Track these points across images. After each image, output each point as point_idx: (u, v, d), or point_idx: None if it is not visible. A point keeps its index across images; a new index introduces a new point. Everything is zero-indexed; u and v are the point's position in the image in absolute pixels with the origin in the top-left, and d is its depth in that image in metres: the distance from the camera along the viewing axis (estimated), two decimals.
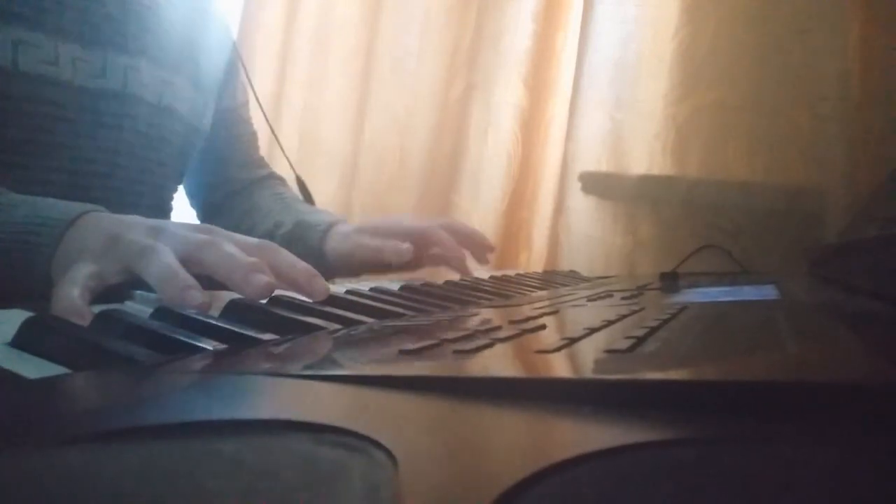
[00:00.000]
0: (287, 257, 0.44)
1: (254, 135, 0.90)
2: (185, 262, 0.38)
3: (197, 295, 0.36)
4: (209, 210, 0.87)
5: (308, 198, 0.90)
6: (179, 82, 0.70)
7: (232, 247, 0.40)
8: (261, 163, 0.90)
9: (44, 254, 0.41)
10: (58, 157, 0.60)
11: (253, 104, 0.90)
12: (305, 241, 0.74)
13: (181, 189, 0.82)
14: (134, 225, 0.41)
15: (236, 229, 0.83)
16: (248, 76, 0.87)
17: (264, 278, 0.38)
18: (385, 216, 0.77)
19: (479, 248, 0.79)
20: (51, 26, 0.57)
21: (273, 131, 0.92)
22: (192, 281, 0.36)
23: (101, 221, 0.43)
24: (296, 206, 0.82)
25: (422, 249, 0.72)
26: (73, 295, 0.35)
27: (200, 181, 0.85)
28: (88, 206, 0.45)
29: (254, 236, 0.78)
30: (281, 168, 0.92)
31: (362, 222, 0.76)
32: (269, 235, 0.77)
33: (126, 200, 0.66)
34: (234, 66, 0.85)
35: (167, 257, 0.38)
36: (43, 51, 0.57)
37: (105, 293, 0.38)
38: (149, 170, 0.69)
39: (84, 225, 0.42)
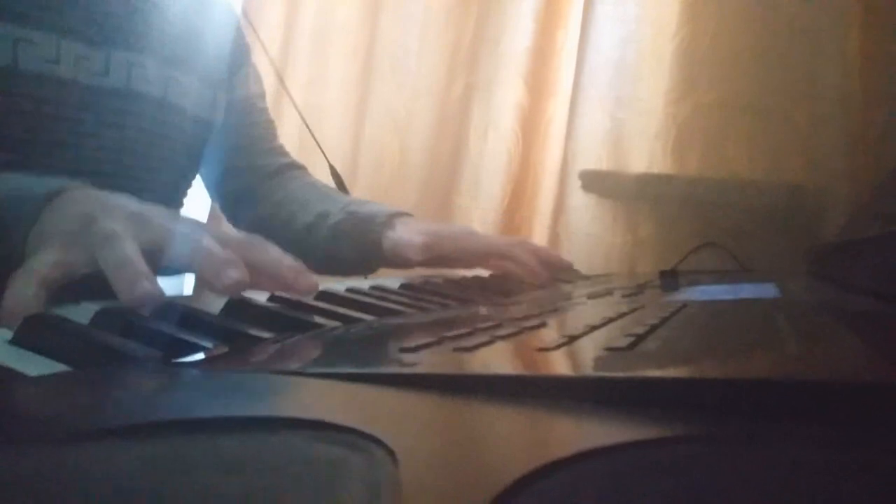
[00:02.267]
0: (273, 253, 0.42)
1: (271, 123, 0.88)
2: (153, 253, 0.36)
3: (146, 285, 0.33)
4: (232, 199, 0.84)
5: (342, 187, 0.87)
6: (185, 78, 0.69)
7: (209, 240, 0.38)
8: (281, 150, 0.87)
9: (19, 230, 0.38)
10: (61, 157, 0.59)
11: (268, 91, 0.88)
12: (359, 234, 0.70)
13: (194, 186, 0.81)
14: (114, 208, 0.38)
15: (270, 220, 0.81)
16: (264, 49, 0.84)
17: (235, 275, 0.36)
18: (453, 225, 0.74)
19: (558, 270, 0.75)
20: (52, 24, 0.57)
21: (306, 125, 0.90)
22: (145, 270, 0.34)
23: (81, 201, 0.39)
24: (338, 197, 0.78)
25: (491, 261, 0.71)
26: (27, 294, 0.32)
27: (219, 171, 0.82)
28: (73, 182, 0.41)
29: (294, 227, 0.77)
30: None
31: (427, 223, 0.72)
32: (314, 227, 0.74)
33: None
34: (245, 55, 0.83)
35: (127, 247, 0.35)
36: (44, 49, 0.56)
37: (102, 289, 0.37)
38: (156, 168, 0.68)
39: (63, 203, 0.39)
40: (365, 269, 0.73)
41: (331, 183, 0.89)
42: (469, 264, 0.72)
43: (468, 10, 1.13)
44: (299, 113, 0.88)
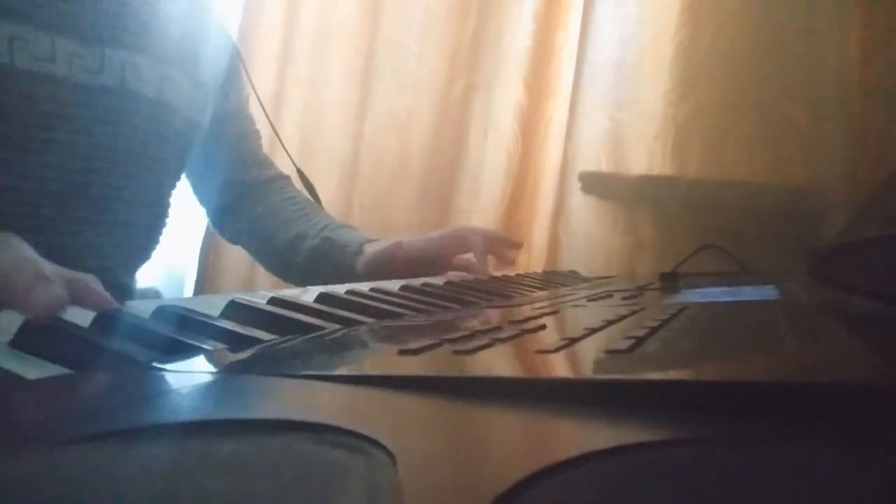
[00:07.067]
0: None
1: (258, 132, 0.90)
2: None
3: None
4: (221, 210, 0.87)
5: (312, 192, 0.90)
6: (178, 77, 0.70)
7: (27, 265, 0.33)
8: (267, 161, 0.90)
9: None
10: (55, 154, 0.59)
11: (253, 102, 0.89)
12: (335, 260, 0.77)
13: (182, 188, 0.82)
14: None
15: (251, 232, 0.86)
16: (248, 74, 0.87)
17: (56, 291, 0.31)
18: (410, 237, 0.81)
19: (508, 248, 0.86)
20: (47, 22, 0.57)
21: (273, 128, 0.92)
22: None
23: None
24: (315, 216, 0.83)
25: (451, 254, 0.78)
26: None
27: (212, 183, 0.84)
28: None
29: (274, 244, 0.82)
30: (282, 163, 0.92)
31: (392, 241, 0.78)
32: (292, 247, 0.80)
33: (124, 197, 0.66)
34: (235, 65, 0.85)
35: None
36: (39, 47, 0.57)
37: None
38: (147, 166, 0.68)
39: None
40: (342, 282, 0.79)
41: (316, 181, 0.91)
42: (431, 253, 0.78)
43: (468, 10, 1.13)
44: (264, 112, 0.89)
